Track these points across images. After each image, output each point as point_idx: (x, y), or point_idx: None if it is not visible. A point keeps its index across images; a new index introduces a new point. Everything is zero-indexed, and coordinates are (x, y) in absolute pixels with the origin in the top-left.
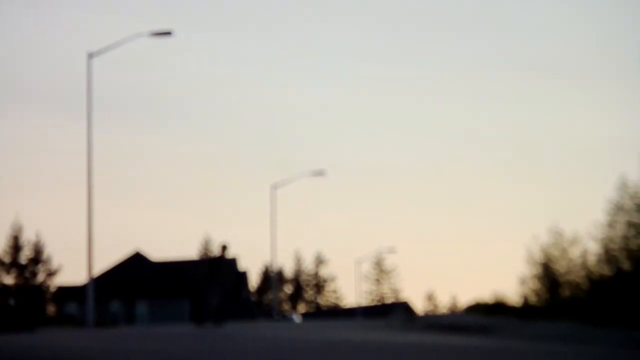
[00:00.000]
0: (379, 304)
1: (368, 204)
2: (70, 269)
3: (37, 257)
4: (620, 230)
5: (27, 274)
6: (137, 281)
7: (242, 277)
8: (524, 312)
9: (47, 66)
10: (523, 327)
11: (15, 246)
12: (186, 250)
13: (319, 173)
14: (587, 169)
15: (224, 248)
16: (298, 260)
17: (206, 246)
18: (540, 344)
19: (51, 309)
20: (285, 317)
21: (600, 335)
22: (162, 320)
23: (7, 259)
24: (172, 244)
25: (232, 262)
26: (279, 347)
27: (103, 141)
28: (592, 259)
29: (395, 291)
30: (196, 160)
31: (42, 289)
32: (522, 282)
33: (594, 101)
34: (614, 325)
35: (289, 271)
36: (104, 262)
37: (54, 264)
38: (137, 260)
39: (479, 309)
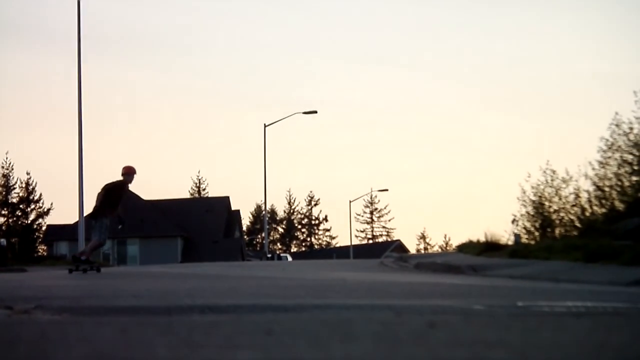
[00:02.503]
0: (372, 243)
1: (361, 143)
2: (62, 209)
3: (28, 197)
4: (613, 168)
5: (18, 213)
6: (128, 220)
7: (235, 216)
8: (516, 251)
9: (36, 3)
10: (514, 265)
11: (6, 185)
12: (178, 189)
13: (312, 112)
14: (581, 107)
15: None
16: (290, 200)
17: (198, 185)
18: (532, 283)
19: (42, 248)
20: (276, 257)
21: (592, 274)
22: (154, 259)
23: None
24: (164, 183)
25: (225, 201)
26: (271, 285)
27: (94, 78)
28: (584, 198)
29: (387, 230)
30: (188, 98)
31: (32, 228)
32: (514, 220)
33: (589, 37)
34: (606, 264)
35: (281, 211)
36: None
37: (45, 203)
38: (128, 199)
39: (470, 248)
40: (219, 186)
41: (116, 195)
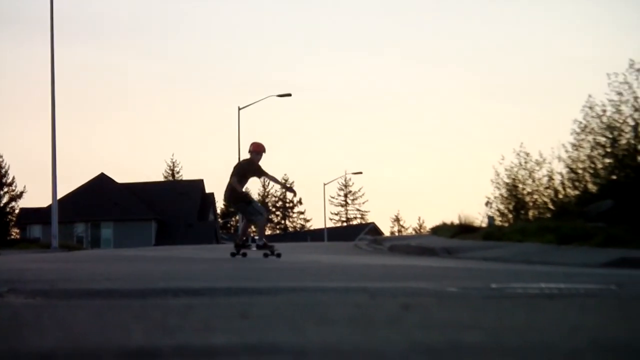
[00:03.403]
0: (346, 226)
1: (335, 126)
2: (36, 192)
3: (0, 180)
4: (586, 151)
5: None
6: (102, 203)
7: (209, 199)
8: (490, 233)
9: None
10: (488, 248)
11: None
12: (152, 172)
13: (286, 95)
14: (555, 90)
15: None
16: (265, 183)
17: (172, 168)
18: (506, 265)
19: (15, 231)
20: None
21: (565, 256)
22: (127, 243)
23: None
24: (138, 166)
25: (199, 184)
26: (245, 268)
27: (68, 62)
28: (558, 180)
29: (362, 213)
30: (162, 82)
31: (5, 211)
32: (488, 203)
33: (563, 20)
34: (579, 246)
35: (255, 193)
36: (69, 184)
37: (18, 187)
38: (102, 182)
39: (444, 230)
40: (194, 169)
41: (247, 174)
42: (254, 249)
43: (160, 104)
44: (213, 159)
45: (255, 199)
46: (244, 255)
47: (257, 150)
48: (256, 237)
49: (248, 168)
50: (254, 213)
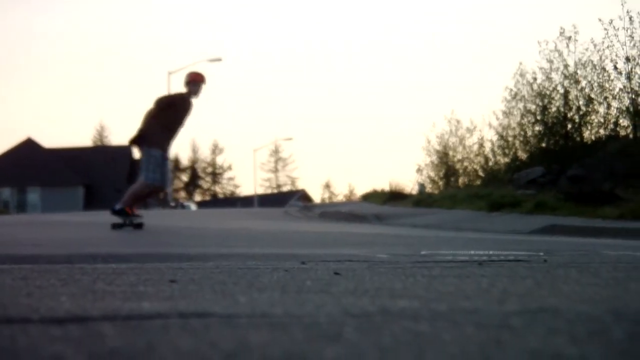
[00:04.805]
0: (276, 192)
1: (266, 92)
2: None
3: None
4: (517, 118)
5: None
6: (28, 168)
7: (137, 164)
8: (420, 200)
9: None
10: (419, 214)
11: None
12: (80, 137)
13: (216, 59)
14: (487, 57)
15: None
16: (194, 148)
17: (100, 133)
18: (436, 232)
19: None
20: (180, 205)
21: (494, 222)
22: (55, 208)
23: None
24: (66, 131)
25: (127, 149)
26: (175, 234)
27: None
28: (488, 148)
29: (292, 179)
30: (91, 46)
31: None
32: (419, 170)
33: None
34: (509, 213)
35: (185, 159)
36: None
37: None
38: (29, 147)
39: (375, 197)
40: (123, 135)
41: (175, 113)
42: (117, 208)
43: (89, 68)
44: None
45: (155, 156)
46: (138, 226)
47: (195, 80)
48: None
49: (178, 102)
50: (145, 169)
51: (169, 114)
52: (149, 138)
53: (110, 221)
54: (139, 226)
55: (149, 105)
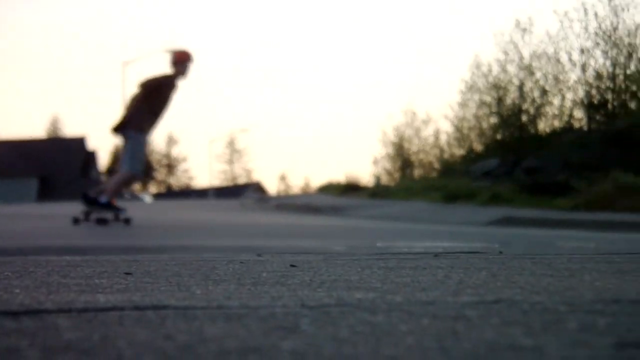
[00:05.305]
0: (232, 184)
1: (221, 83)
2: None
3: None
4: (472, 110)
5: None
6: None
7: (91, 156)
8: (376, 192)
9: None
10: (375, 206)
11: None
12: (34, 129)
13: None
14: (442, 49)
15: None
16: (149, 140)
17: (54, 125)
18: (392, 223)
19: None
20: (135, 197)
21: (450, 214)
22: (8, 199)
23: None
24: (19, 122)
25: (81, 141)
26: (130, 226)
27: None
28: (444, 139)
29: (247, 171)
30: (43, 36)
31: None
32: (375, 162)
33: None
34: (465, 204)
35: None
36: None
37: None
38: None
39: (331, 189)
40: (77, 126)
41: (162, 96)
42: (102, 201)
43: (42, 59)
44: (98, 115)
45: (141, 141)
46: (101, 221)
47: (182, 59)
48: (106, 192)
49: (165, 84)
50: (124, 155)
51: (155, 98)
52: (136, 123)
53: (62, 213)
54: (128, 221)
55: (133, 90)
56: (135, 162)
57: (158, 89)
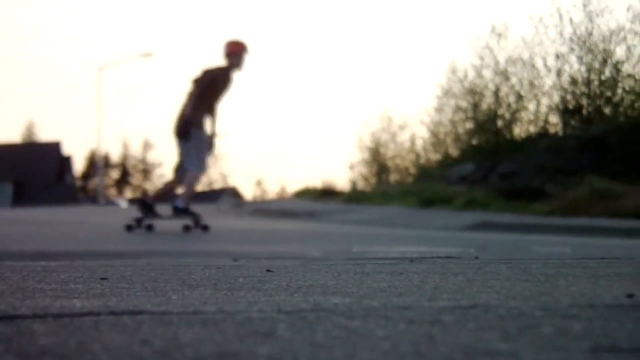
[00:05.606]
0: (208, 189)
1: None
2: None
3: None
4: (448, 114)
5: None
6: None
7: (67, 161)
8: (352, 197)
9: None
10: (351, 211)
11: None
12: (8, 134)
13: (147, 54)
14: (418, 54)
15: None
16: (125, 145)
17: (30, 130)
18: (368, 228)
19: None
20: (111, 202)
21: (426, 219)
22: None
23: None
24: None
25: (57, 146)
26: (105, 231)
27: None
28: (420, 144)
29: (224, 176)
30: (18, 41)
31: None
32: (351, 167)
33: None
34: (440, 209)
35: (115, 156)
36: None
37: None
38: None
39: (307, 195)
40: (52, 131)
41: (217, 90)
42: (180, 206)
43: (17, 64)
44: (73, 120)
45: (203, 138)
46: (149, 228)
47: (237, 51)
48: (180, 198)
49: (221, 78)
50: (189, 156)
51: (211, 93)
52: (198, 121)
53: (38, 218)
54: (206, 228)
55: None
56: (202, 161)
57: (213, 83)
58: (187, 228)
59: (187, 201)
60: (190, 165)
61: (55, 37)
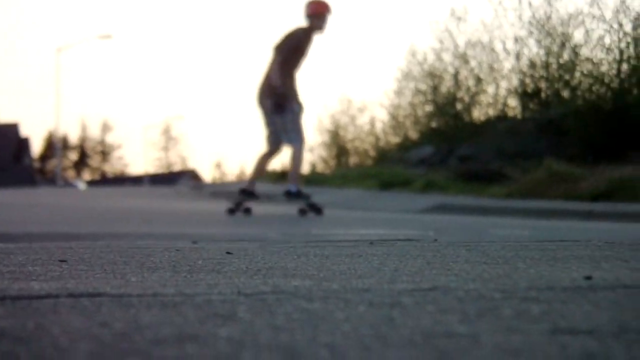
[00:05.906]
0: (167, 171)
1: (157, 70)
2: None
3: None
4: (408, 97)
5: None
6: None
7: (24, 143)
8: (312, 180)
9: None
10: (310, 194)
11: None
12: None
13: (106, 36)
14: (379, 37)
15: None
16: (83, 127)
17: None
18: (327, 211)
19: None
20: (69, 184)
21: (385, 201)
22: None
23: None
24: None
25: (14, 128)
26: (63, 213)
27: None
28: (380, 127)
29: (183, 159)
30: None
31: None
32: (310, 150)
33: None
34: (400, 192)
35: (74, 137)
36: None
37: None
38: None
39: (267, 177)
40: (10, 112)
41: (300, 54)
42: (293, 190)
43: None
44: (31, 101)
45: (296, 110)
46: (247, 211)
47: (319, 12)
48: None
49: (304, 41)
50: (288, 130)
51: (294, 57)
52: (290, 91)
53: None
54: (319, 211)
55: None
56: (301, 133)
57: (297, 47)
58: (302, 212)
59: (298, 183)
60: (291, 140)
61: (13, 19)
